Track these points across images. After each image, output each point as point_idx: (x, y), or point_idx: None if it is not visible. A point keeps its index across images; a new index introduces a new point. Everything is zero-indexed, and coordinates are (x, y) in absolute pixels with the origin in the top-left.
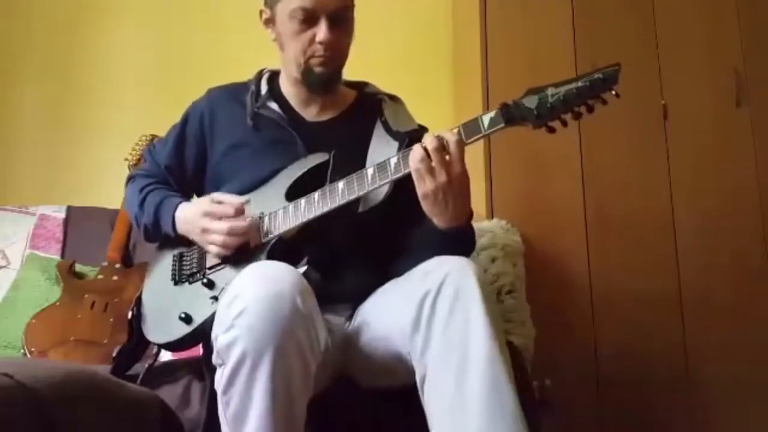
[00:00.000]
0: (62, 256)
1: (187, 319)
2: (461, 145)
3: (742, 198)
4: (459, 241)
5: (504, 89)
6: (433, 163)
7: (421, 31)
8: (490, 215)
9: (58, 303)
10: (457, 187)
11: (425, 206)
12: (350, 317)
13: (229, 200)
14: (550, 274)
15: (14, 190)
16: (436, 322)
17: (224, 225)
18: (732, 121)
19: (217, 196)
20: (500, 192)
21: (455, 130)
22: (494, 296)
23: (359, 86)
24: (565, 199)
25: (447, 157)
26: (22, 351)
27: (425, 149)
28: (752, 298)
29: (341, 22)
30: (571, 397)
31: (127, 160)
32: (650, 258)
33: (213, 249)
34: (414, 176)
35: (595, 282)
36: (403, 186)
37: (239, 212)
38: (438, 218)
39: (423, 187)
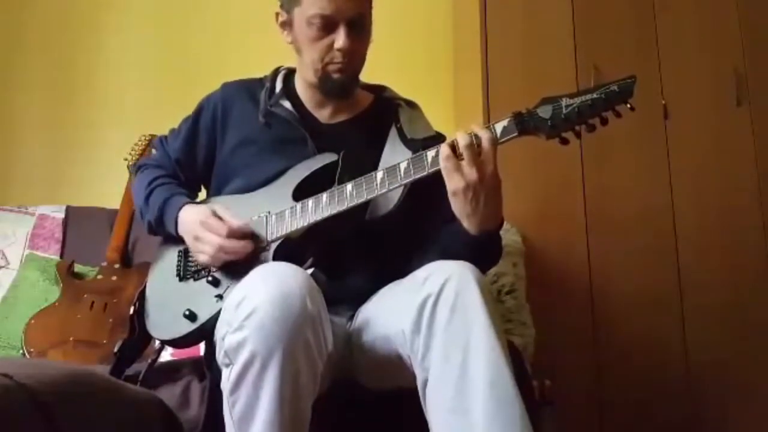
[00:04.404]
0: (61, 256)
1: (191, 316)
2: (494, 142)
3: (742, 198)
4: (488, 246)
5: (504, 90)
6: (464, 160)
7: (421, 31)
8: None
9: (57, 303)
10: (488, 186)
11: (455, 205)
12: (351, 318)
13: (228, 220)
14: (550, 274)
15: (14, 190)
16: (436, 326)
17: (216, 240)
18: (732, 121)
19: (219, 211)
20: None
21: (487, 127)
22: (495, 297)
23: (377, 90)
24: (565, 199)
25: (479, 155)
26: (21, 351)
27: (455, 146)
28: (752, 297)
29: (359, 29)
30: (571, 397)
31: (126, 160)
32: (650, 258)
33: (201, 258)
34: (443, 173)
35: (595, 282)
36: (415, 197)
37: (232, 234)
38: (468, 220)
39: (453, 183)
